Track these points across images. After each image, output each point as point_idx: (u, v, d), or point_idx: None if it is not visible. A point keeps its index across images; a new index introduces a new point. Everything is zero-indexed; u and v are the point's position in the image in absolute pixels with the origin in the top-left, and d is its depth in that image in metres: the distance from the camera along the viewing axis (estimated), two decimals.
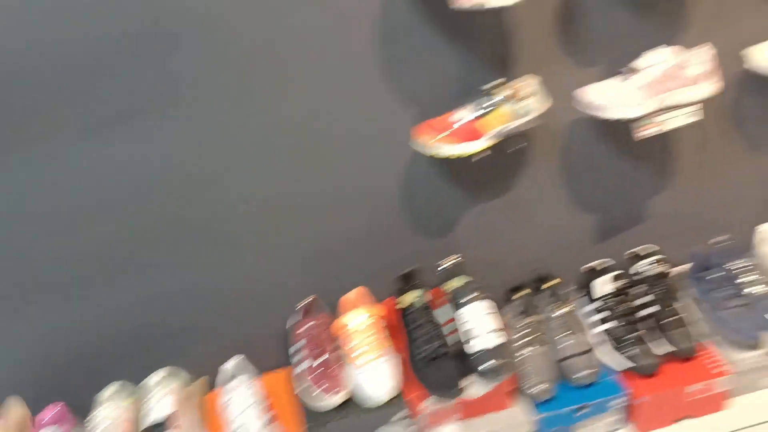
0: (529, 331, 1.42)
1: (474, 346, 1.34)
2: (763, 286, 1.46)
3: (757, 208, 1.64)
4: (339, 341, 1.40)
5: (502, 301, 1.50)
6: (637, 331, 1.41)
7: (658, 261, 1.50)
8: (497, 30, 1.33)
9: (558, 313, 1.46)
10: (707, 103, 1.34)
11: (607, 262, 1.54)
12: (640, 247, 1.55)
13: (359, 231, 1.46)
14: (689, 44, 1.33)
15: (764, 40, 1.36)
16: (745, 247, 1.58)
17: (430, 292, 1.45)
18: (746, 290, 1.46)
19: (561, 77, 1.37)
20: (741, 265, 1.49)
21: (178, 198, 1.35)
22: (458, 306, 1.39)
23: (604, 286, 1.47)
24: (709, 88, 1.31)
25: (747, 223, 1.62)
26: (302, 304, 1.44)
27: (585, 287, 1.52)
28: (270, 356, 1.49)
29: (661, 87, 1.29)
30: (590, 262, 1.55)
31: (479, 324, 1.36)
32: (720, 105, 1.47)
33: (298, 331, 1.40)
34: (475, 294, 1.39)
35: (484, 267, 1.51)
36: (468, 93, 1.31)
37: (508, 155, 1.39)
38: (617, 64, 1.34)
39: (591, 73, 1.37)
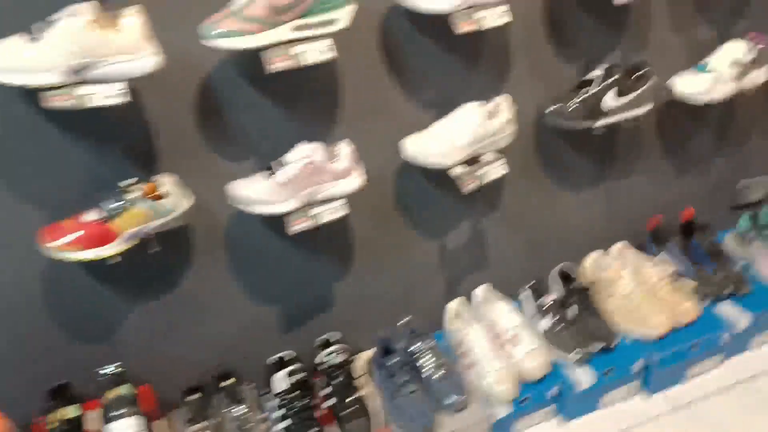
0: None
1: None
2: (439, 368, 1.47)
3: (447, 288, 1.68)
4: None
5: (180, 405, 1.40)
6: (313, 426, 1.37)
7: (339, 350, 1.48)
8: (138, 126, 1.25)
9: (235, 414, 1.38)
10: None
11: (290, 354, 1.49)
12: (325, 335, 1.52)
13: None
14: (336, 139, 1.34)
15: (414, 131, 1.40)
16: (432, 327, 1.60)
17: (87, 406, 1.31)
18: (423, 373, 1.47)
19: (211, 172, 1.31)
20: (421, 348, 1.50)
21: None
22: (108, 421, 1.27)
23: (282, 380, 1.42)
24: (354, 181, 1.31)
25: (438, 303, 1.65)
26: None
27: (269, 382, 1.46)
28: None
29: (307, 182, 1.27)
30: (277, 354, 1.50)
31: None
32: (384, 191, 1.49)
33: None
34: (126, 409, 1.27)
35: (159, 369, 1.41)
36: (102, 191, 1.20)
37: (166, 253, 1.31)
38: (267, 158, 1.31)
39: (242, 168, 1.33)
